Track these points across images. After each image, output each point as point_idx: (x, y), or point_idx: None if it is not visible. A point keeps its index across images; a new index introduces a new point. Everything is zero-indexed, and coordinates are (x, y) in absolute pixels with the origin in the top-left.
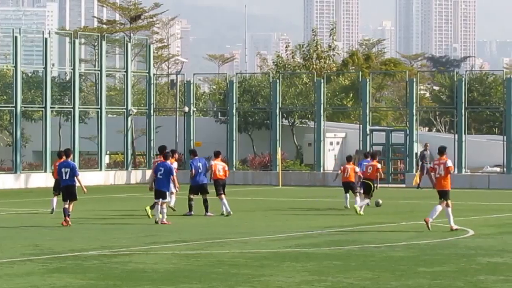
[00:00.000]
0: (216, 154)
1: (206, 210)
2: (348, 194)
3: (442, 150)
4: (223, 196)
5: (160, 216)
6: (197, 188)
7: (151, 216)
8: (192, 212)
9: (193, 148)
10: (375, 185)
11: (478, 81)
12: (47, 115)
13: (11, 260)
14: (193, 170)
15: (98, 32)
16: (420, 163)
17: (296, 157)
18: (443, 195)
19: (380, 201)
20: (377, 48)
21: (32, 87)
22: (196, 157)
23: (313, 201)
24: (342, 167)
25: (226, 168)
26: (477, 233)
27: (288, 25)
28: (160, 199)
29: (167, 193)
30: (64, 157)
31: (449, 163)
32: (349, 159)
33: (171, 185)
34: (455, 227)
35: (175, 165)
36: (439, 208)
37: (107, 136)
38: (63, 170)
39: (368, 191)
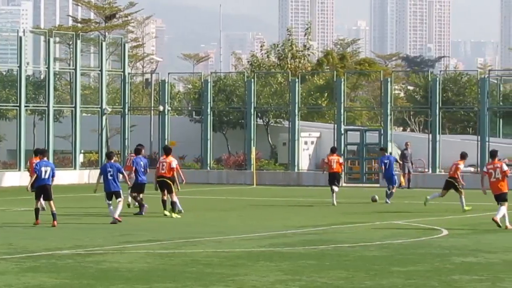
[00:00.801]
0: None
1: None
2: (335, 187)
3: (494, 154)
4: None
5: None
6: (140, 186)
7: (174, 216)
8: (145, 209)
9: (138, 147)
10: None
11: (452, 81)
12: (22, 114)
13: None
14: (134, 168)
15: (73, 31)
16: (401, 162)
17: (271, 157)
18: (501, 198)
19: (377, 197)
20: (352, 48)
21: (7, 85)
22: (140, 156)
23: (288, 200)
24: (327, 159)
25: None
26: (451, 233)
27: (263, 25)
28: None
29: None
30: (41, 156)
31: (505, 167)
32: (333, 150)
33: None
34: (510, 226)
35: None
36: (504, 209)
37: (82, 135)
38: (43, 169)
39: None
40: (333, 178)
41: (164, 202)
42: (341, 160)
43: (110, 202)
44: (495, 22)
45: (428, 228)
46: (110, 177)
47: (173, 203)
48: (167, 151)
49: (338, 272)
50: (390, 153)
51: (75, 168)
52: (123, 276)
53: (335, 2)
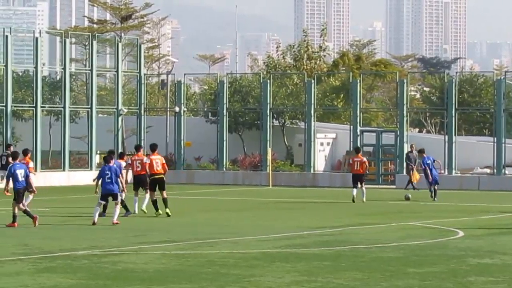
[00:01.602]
0: (137, 148)
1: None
2: (356, 189)
3: None
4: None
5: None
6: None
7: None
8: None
9: (111, 150)
10: None
11: (468, 82)
12: (38, 114)
13: (0, 260)
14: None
15: (88, 31)
16: (405, 164)
17: (287, 158)
18: None
19: (410, 195)
20: (368, 49)
21: (23, 86)
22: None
23: (303, 201)
24: (351, 160)
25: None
26: (467, 234)
27: (278, 26)
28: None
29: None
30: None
31: None
32: (357, 151)
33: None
34: None
35: (123, 164)
36: None
37: (98, 136)
38: (18, 172)
39: None
40: (356, 179)
41: (155, 202)
42: (364, 159)
43: (103, 203)
44: (511, 23)
45: (444, 230)
46: (108, 180)
47: (165, 199)
48: (154, 148)
49: (353, 273)
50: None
51: (91, 169)
52: (139, 276)
53: (351, 3)
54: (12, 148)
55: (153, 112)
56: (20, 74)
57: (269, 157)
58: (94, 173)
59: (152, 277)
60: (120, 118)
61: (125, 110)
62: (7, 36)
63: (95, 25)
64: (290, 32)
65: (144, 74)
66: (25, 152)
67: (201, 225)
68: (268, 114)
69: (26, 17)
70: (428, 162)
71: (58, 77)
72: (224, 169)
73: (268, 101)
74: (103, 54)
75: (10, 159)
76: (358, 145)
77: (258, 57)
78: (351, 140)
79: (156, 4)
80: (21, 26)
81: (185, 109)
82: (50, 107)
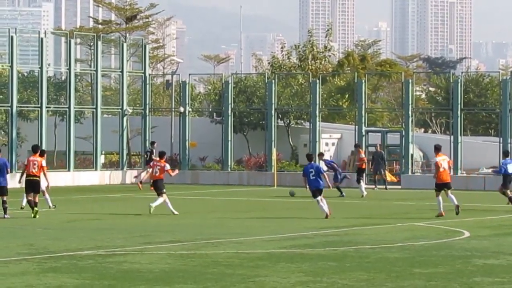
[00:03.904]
0: (161, 155)
1: (5, 212)
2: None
3: None
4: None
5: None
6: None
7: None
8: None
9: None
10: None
11: (474, 82)
12: (43, 115)
13: (6, 260)
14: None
15: (93, 32)
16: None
17: (292, 158)
18: None
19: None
20: (373, 49)
21: (28, 86)
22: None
23: (308, 201)
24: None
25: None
26: (472, 235)
27: (283, 26)
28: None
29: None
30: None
31: None
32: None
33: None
34: None
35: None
36: None
37: (103, 136)
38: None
39: None
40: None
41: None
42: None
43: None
44: None
45: (449, 230)
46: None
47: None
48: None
49: (359, 273)
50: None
51: (96, 169)
52: (144, 276)
53: (356, 3)
54: (156, 145)
55: (158, 113)
56: (25, 74)
57: (274, 157)
58: (99, 173)
59: (157, 277)
60: (125, 119)
61: (130, 111)
62: (12, 37)
63: (100, 26)
64: (295, 32)
65: (149, 75)
66: (42, 152)
67: (206, 226)
68: (273, 114)
69: (31, 18)
70: (510, 163)
71: (63, 78)
72: (229, 169)
73: (273, 101)
74: (108, 55)
75: (153, 155)
76: (363, 145)
77: (263, 57)
78: (356, 140)
79: (161, 5)
80: (26, 26)
81: (190, 109)
82: (55, 107)
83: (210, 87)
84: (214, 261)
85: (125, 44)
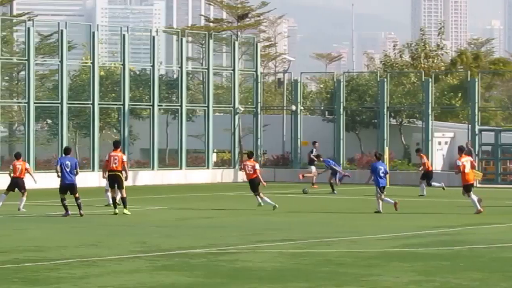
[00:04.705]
0: (250, 155)
1: (80, 209)
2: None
3: None
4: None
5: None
6: (66, 187)
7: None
8: (69, 212)
9: (67, 146)
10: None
11: None
12: (155, 113)
13: (119, 257)
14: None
15: (205, 30)
16: None
17: (404, 157)
18: None
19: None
20: (486, 48)
21: (140, 85)
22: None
23: (421, 200)
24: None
25: (257, 167)
26: None
27: (395, 24)
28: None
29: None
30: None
31: None
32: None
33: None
34: None
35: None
36: None
37: (214, 135)
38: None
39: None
40: None
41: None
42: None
43: None
44: None
45: None
46: None
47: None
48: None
49: (472, 273)
50: None
51: (208, 168)
52: (256, 275)
53: (468, 2)
54: (318, 145)
55: (269, 111)
56: (137, 72)
57: (386, 156)
58: (211, 171)
59: (270, 276)
60: (236, 117)
61: (242, 109)
62: (124, 35)
63: (211, 24)
64: (407, 30)
65: (261, 73)
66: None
67: (318, 224)
68: (385, 113)
69: (143, 16)
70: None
71: (174, 76)
72: (341, 167)
73: (385, 100)
74: (220, 53)
75: (312, 155)
76: (477, 144)
77: (375, 56)
78: (469, 139)
79: (273, 3)
80: (138, 25)
81: (302, 107)
82: (167, 105)
83: (321, 86)
84: (327, 259)
85: (236, 42)
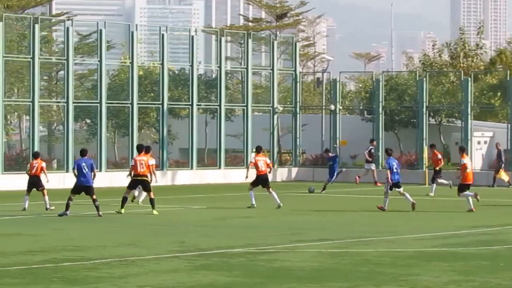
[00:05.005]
0: (258, 150)
1: (98, 210)
2: None
3: None
4: (270, 189)
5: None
6: (80, 188)
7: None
8: (68, 213)
9: (83, 148)
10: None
11: None
12: (194, 112)
13: (157, 257)
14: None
15: (244, 30)
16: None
17: (443, 156)
18: None
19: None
20: None
21: (179, 84)
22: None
23: (460, 200)
24: None
25: (268, 161)
26: None
27: (434, 24)
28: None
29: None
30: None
31: None
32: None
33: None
34: None
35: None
36: None
37: (253, 134)
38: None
39: None
40: None
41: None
42: None
43: None
44: None
45: None
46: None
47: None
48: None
49: None
50: None
51: (246, 167)
52: (295, 274)
53: (508, 1)
54: (375, 143)
55: (308, 110)
56: (176, 72)
57: (426, 155)
58: (250, 171)
59: (308, 276)
60: (275, 116)
61: (281, 108)
62: (163, 35)
63: (250, 24)
64: (446, 30)
65: (300, 72)
66: (147, 149)
67: (356, 224)
68: (424, 112)
69: (182, 16)
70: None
71: (213, 75)
72: (380, 167)
73: (424, 99)
74: (259, 52)
75: (372, 151)
76: None
77: (414, 55)
78: (509, 138)
79: (311, 2)
80: (177, 24)
81: (341, 107)
82: (205, 105)
83: (360, 85)
84: (365, 259)
85: (275, 42)
